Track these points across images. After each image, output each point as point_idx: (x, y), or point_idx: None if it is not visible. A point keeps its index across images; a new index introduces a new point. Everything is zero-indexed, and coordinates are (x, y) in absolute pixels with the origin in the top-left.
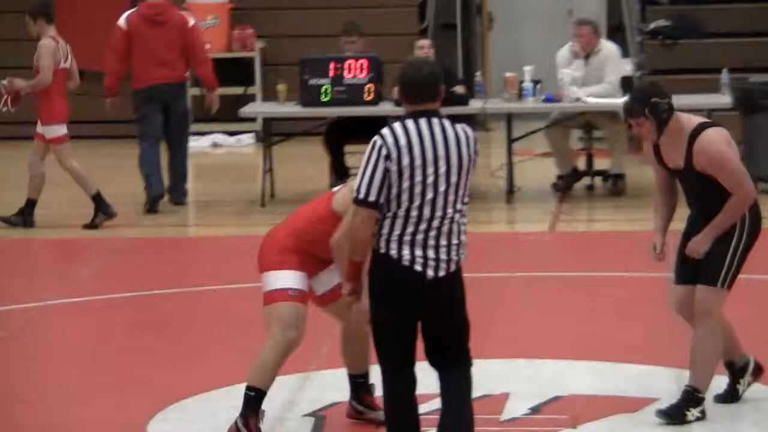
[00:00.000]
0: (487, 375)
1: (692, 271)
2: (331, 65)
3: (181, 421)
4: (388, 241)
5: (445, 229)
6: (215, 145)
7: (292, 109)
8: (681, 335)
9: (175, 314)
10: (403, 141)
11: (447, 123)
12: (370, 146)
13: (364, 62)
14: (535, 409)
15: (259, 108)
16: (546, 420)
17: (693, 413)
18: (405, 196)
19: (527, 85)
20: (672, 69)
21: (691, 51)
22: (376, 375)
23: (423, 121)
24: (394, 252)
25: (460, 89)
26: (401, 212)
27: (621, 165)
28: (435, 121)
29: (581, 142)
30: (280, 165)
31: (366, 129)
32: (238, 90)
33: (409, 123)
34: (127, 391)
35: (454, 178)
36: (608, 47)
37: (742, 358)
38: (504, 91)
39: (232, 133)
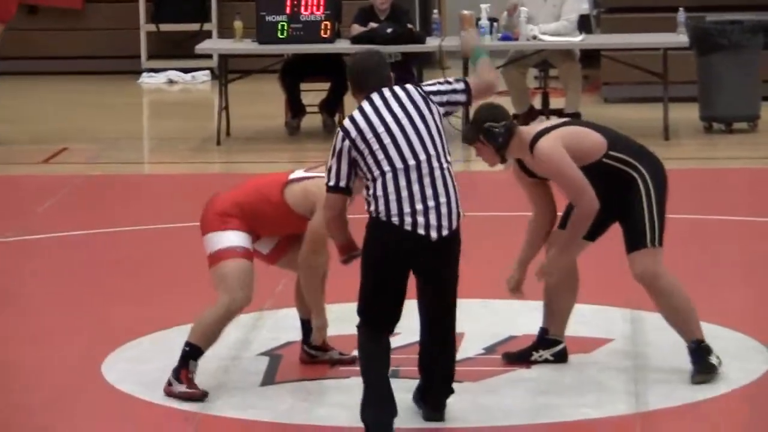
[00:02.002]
0: None
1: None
2: (288, 2)
3: (136, 360)
4: (387, 203)
5: (437, 175)
6: (171, 81)
7: (248, 46)
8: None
9: (130, 252)
10: (357, 115)
11: (395, 86)
12: (334, 138)
13: None
14: (489, 349)
15: (215, 45)
16: (501, 359)
17: (713, 358)
18: (381, 154)
19: (484, 23)
20: (628, 7)
21: None
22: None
23: (375, 95)
24: (395, 217)
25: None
26: (387, 168)
27: (576, 104)
28: (384, 89)
29: (537, 81)
30: (235, 102)
31: (322, 66)
32: (193, 26)
33: (363, 103)
34: (83, 330)
35: (418, 120)
36: None
37: (556, 335)
38: (460, 28)
39: (187, 70)
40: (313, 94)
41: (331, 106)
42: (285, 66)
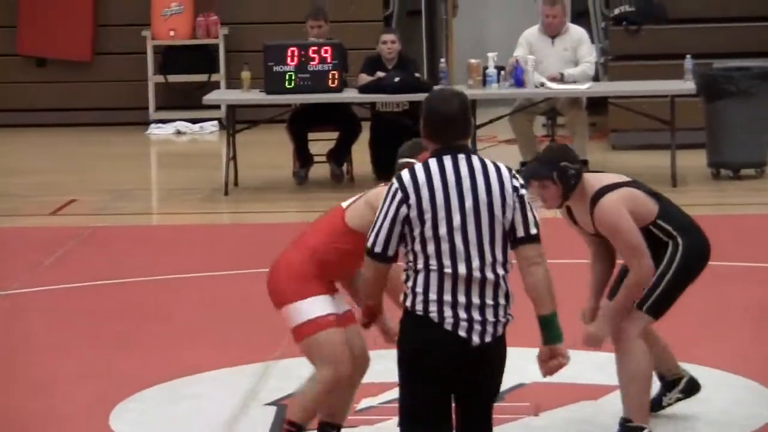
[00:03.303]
0: None
1: None
2: (295, 52)
3: (143, 411)
4: (426, 302)
5: (488, 286)
6: (179, 132)
7: (255, 96)
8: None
9: (139, 303)
10: (422, 179)
11: (475, 157)
12: (387, 189)
13: (328, 49)
14: (498, 397)
15: (222, 95)
16: (509, 407)
17: None
18: (431, 246)
19: (491, 71)
20: (636, 55)
21: (655, 37)
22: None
23: (447, 158)
24: (434, 314)
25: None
26: (433, 265)
27: (584, 151)
28: (461, 156)
29: (545, 129)
30: (243, 152)
31: (330, 115)
32: (201, 77)
33: (432, 162)
34: (91, 380)
35: (485, 218)
36: (577, 29)
37: (674, 374)
38: (468, 77)
39: (195, 121)
40: (321, 143)
41: (339, 156)
42: (292, 116)
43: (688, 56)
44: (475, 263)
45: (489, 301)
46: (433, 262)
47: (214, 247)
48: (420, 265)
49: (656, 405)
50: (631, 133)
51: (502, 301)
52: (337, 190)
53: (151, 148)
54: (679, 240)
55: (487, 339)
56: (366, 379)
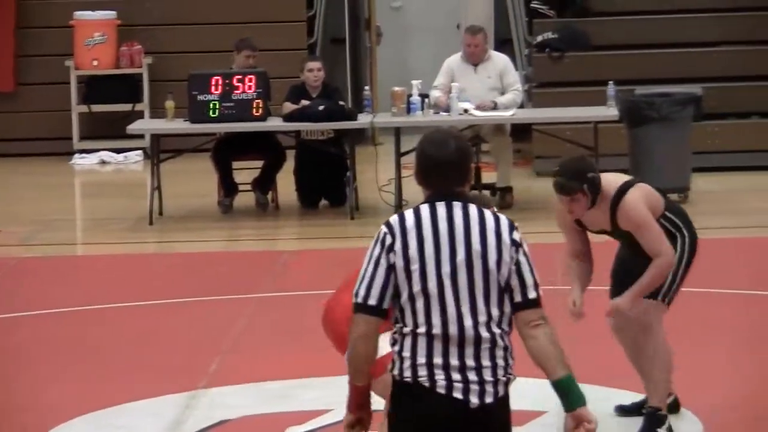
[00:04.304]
0: None
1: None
2: (219, 81)
3: None
4: (414, 367)
5: (484, 346)
6: (103, 162)
7: (180, 125)
8: (571, 347)
9: (66, 333)
10: (410, 225)
11: (473, 207)
12: (374, 237)
13: (252, 78)
14: None
15: (147, 125)
16: None
17: (662, 430)
18: (420, 303)
19: (415, 99)
20: (559, 82)
21: (578, 64)
22: None
23: (441, 205)
24: (424, 379)
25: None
26: (421, 326)
27: (508, 178)
28: (456, 204)
29: None
30: (168, 182)
31: (254, 144)
32: (126, 107)
33: (423, 207)
34: (17, 412)
35: (478, 272)
36: (500, 57)
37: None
38: (392, 105)
39: (119, 150)
40: (246, 172)
41: (264, 184)
42: (217, 144)
43: (610, 83)
44: (468, 321)
45: (486, 363)
46: (421, 321)
47: (141, 277)
48: (407, 326)
49: (635, 410)
50: (556, 160)
51: (500, 362)
52: (262, 218)
53: (76, 178)
54: (685, 232)
55: (488, 400)
56: (293, 407)
